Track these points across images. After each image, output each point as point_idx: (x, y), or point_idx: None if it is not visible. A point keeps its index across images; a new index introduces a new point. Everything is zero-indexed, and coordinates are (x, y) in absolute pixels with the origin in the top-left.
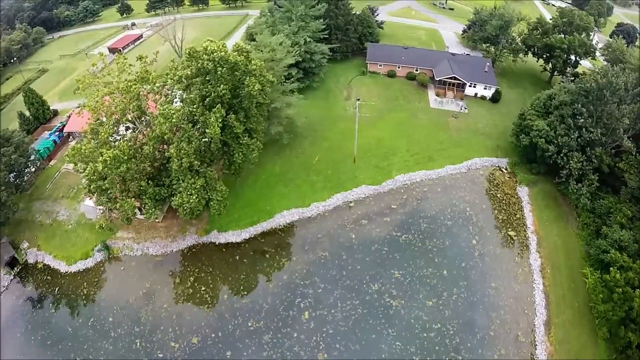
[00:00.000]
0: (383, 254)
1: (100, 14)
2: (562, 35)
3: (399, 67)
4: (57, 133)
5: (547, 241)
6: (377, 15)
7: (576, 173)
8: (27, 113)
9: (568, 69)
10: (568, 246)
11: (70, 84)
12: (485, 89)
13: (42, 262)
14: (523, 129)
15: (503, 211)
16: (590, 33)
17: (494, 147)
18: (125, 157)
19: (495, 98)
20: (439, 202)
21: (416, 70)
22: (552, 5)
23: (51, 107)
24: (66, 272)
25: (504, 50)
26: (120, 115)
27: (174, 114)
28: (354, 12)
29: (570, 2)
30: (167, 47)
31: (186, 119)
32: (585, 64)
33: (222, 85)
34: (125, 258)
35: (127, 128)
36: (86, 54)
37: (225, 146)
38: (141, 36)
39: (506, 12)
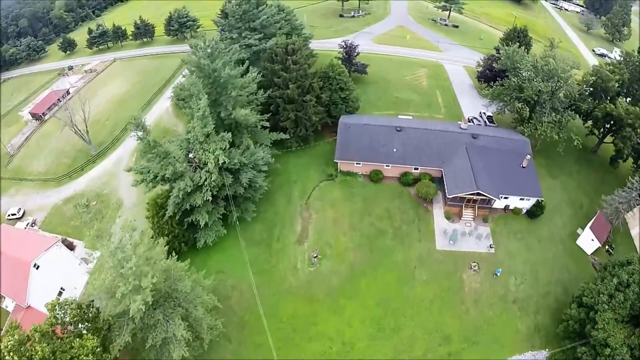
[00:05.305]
0: None
1: (47, 50)
2: (635, 106)
3: (387, 166)
4: None
5: None
6: (358, 54)
7: None
8: None
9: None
10: None
11: None
12: (521, 199)
13: None
14: (586, 336)
15: None
16: None
17: (532, 328)
18: None
19: (535, 213)
20: None
21: (415, 170)
22: (565, 10)
23: None
24: None
25: (549, 124)
26: None
27: None
28: (314, 72)
29: (584, 6)
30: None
31: None
32: None
33: None
34: None
35: None
36: None
37: None
38: (68, 92)
39: (559, 66)
